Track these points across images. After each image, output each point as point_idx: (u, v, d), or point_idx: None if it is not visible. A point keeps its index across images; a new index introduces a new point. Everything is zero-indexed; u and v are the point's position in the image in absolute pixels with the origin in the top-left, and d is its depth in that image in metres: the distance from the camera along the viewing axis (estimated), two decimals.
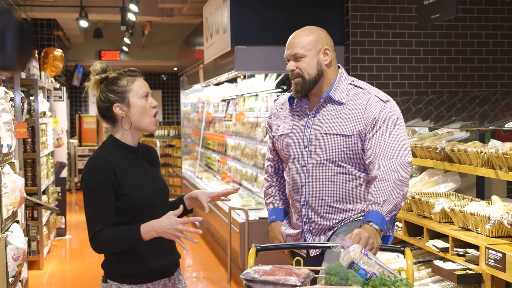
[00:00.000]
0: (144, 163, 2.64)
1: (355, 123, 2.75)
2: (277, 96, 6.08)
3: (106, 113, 2.59)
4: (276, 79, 6.73)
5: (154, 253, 2.56)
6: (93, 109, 17.79)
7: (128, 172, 2.53)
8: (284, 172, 2.97)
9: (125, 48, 14.09)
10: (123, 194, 2.49)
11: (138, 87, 2.57)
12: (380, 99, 2.77)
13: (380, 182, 2.63)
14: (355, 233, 2.44)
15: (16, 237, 3.87)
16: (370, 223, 2.54)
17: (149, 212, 2.53)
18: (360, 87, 2.83)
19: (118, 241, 2.44)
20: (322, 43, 2.80)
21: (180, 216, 2.49)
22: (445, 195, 4.13)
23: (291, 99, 2.93)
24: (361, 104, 2.77)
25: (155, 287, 2.58)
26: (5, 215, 3.82)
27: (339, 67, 2.89)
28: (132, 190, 2.51)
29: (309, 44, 2.78)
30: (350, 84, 2.84)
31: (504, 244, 3.25)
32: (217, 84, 9.10)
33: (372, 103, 2.76)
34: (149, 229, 2.42)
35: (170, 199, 2.74)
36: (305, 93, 2.83)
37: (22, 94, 6.13)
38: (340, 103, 2.80)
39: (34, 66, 6.82)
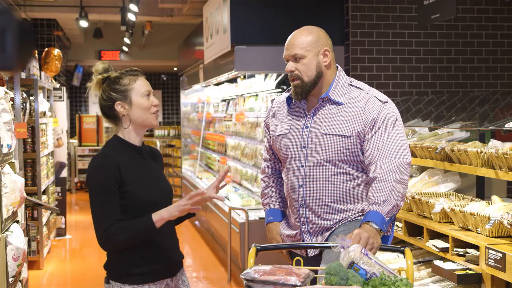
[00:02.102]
0: (148, 163, 2.65)
1: (354, 124, 2.74)
2: (276, 95, 6.08)
3: (108, 111, 2.62)
4: (276, 79, 6.73)
5: (156, 253, 2.56)
6: (93, 109, 17.80)
7: (132, 170, 2.54)
8: (282, 173, 2.95)
9: (125, 48, 14.09)
10: (126, 192, 2.50)
11: (139, 86, 2.61)
12: (379, 100, 2.77)
13: (379, 183, 2.63)
14: (355, 233, 2.44)
15: (16, 237, 3.87)
16: (370, 223, 2.54)
17: (153, 211, 2.52)
18: (359, 88, 2.82)
19: (130, 233, 2.44)
20: (322, 44, 2.79)
21: (182, 220, 2.68)
22: (445, 195, 4.13)
23: (288, 99, 2.92)
24: (360, 104, 2.76)
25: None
26: (5, 215, 3.82)
27: (337, 67, 2.89)
28: (135, 188, 2.51)
29: (308, 44, 2.76)
30: (349, 84, 2.83)
31: (504, 244, 3.25)
32: (217, 84, 9.10)
33: (371, 103, 2.76)
34: (159, 213, 2.46)
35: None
36: (305, 95, 2.82)
37: (25, 95, 6.13)
38: (339, 104, 2.79)
39: (34, 66, 6.82)
